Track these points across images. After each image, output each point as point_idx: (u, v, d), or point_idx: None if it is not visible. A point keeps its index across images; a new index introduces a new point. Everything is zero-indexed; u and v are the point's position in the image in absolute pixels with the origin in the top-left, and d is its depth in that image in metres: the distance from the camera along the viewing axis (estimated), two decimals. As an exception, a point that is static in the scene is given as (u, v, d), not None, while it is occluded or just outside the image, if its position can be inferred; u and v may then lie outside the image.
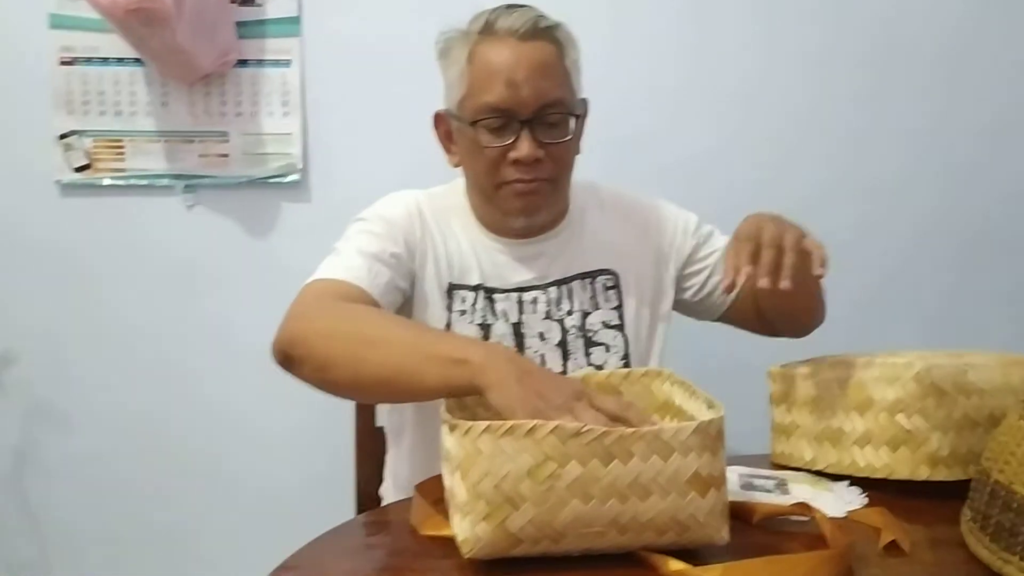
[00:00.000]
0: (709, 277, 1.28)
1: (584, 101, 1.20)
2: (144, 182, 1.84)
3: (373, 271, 1.10)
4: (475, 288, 1.20)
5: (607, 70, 1.70)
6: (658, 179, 1.67)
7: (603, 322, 1.23)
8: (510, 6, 1.15)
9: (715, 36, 1.89)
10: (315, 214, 1.86)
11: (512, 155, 1.12)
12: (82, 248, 1.86)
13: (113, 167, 1.83)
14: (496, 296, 1.20)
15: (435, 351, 0.90)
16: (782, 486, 1.03)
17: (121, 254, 1.86)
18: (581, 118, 1.18)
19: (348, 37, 1.85)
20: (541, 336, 1.20)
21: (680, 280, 1.29)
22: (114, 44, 1.78)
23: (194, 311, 1.88)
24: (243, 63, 1.82)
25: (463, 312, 1.19)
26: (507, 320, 1.20)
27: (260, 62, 1.83)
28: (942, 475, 0.98)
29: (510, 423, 0.78)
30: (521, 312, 1.20)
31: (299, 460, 1.90)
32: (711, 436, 0.81)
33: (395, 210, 1.20)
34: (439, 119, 1.22)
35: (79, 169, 1.83)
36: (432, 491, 0.96)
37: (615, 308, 1.24)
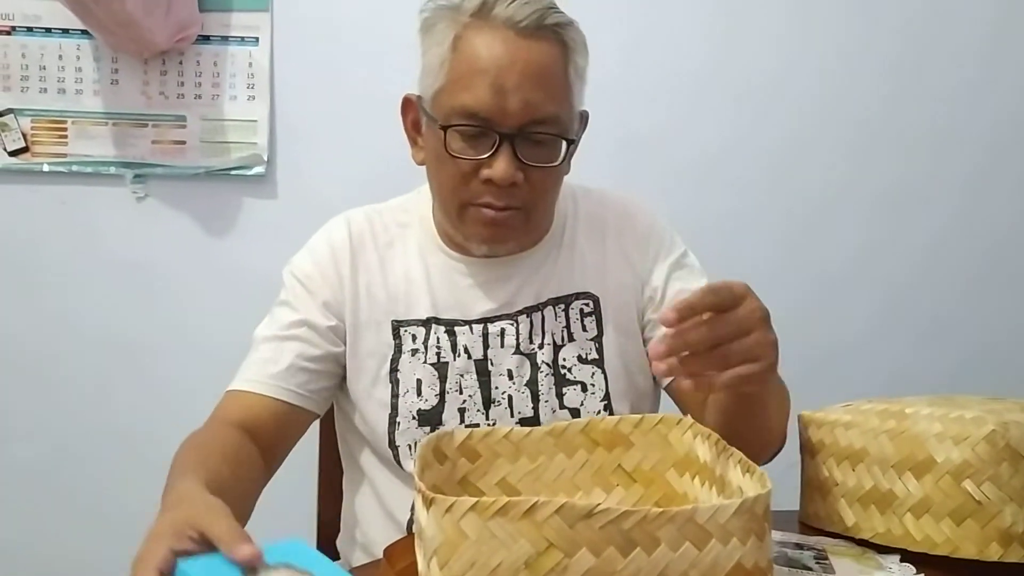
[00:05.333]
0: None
1: (583, 115, 1.04)
2: (88, 169, 1.74)
3: (272, 360, 1.01)
4: (425, 322, 1.05)
5: (621, 62, 1.68)
6: (673, 176, 1.68)
7: (578, 356, 1.05)
8: None
9: (736, 28, 1.82)
10: (281, 212, 1.76)
11: (485, 173, 0.95)
12: (16, 242, 1.75)
13: (54, 151, 1.73)
14: (457, 328, 1.04)
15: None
16: (822, 560, 0.89)
17: (60, 250, 1.75)
18: (575, 144, 1.02)
19: (323, 13, 1.75)
20: (510, 374, 1.04)
21: (640, 318, 1.10)
22: (58, 12, 1.65)
23: (142, 318, 1.76)
24: (204, 39, 1.72)
25: (415, 351, 1.04)
26: (469, 356, 1.04)
27: (224, 39, 1.73)
28: (1017, 556, 0.84)
29: (504, 500, 0.63)
30: (487, 346, 1.04)
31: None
32: (757, 517, 0.67)
33: (310, 262, 1.06)
34: (408, 105, 1.05)
35: (15, 153, 1.73)
36: (403, 555, 0.82)
37: (593, 339, 1.06)
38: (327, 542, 1.19)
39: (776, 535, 0.94)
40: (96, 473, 1.76)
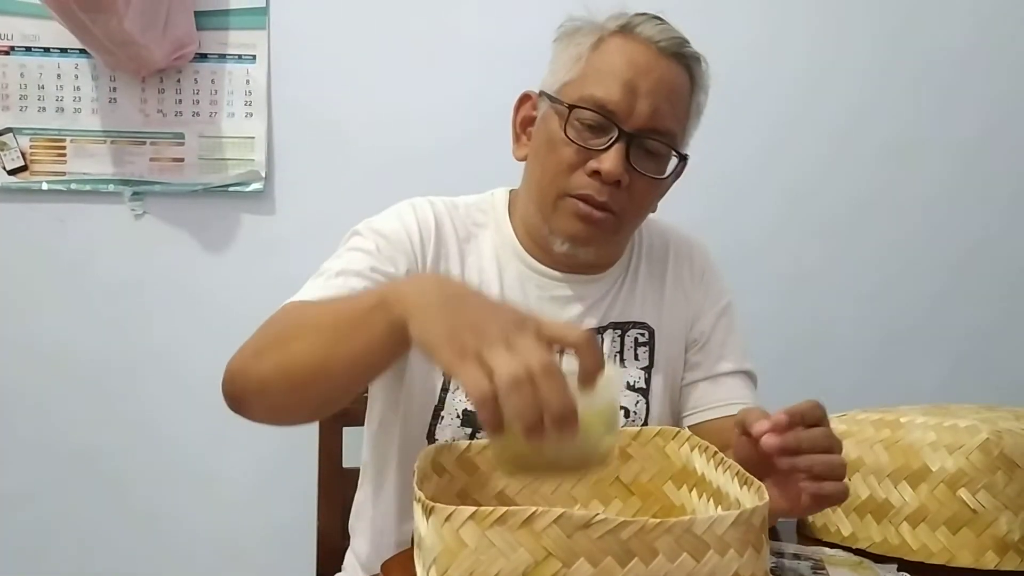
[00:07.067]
0: (694, 382, 1.12)
1: (685, 156, 1.05)
2: (87, 187, 1.71)
3: (355, 292, 0.94)
4: None
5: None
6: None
7: (627, 383, 1.07)
8: (656, 17, 1.03)
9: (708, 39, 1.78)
10: (280, 228, 1.74)
11: (593, 164, 0.98)
12: (15, 260, 1.72)
13: (52, 170, 1.69)
14: None
15: (355, 309, 0.77)
16: (820, 571, 0.89)
17: (60, 268, 1.72)
18: (682, 165, 1.04)
19: (320, 31, 1.73)
20: None
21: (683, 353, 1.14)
22: (57, 32, 1.64)
23: (142, 336, 1.73)
24: (202, 57, 1.70)
25: None
26: None
27: (221, 56, 1.71)
28: (1013, 564, 0.86)
29: (503, 509, 0.63)
30: None
31: (259, 507, 1.75)
32: (754, 528, 0.67)
33: (399, 225, 1.04)
34: (525, 100, 1.08)
35: (14, 171, 1.69)
36: (400, 570, 0.83)
37: (644, 368, 1.08)
38: (327, 551, 1.19)
39: (773, 545, 0.94)
40: (86, 509, 1.73)
